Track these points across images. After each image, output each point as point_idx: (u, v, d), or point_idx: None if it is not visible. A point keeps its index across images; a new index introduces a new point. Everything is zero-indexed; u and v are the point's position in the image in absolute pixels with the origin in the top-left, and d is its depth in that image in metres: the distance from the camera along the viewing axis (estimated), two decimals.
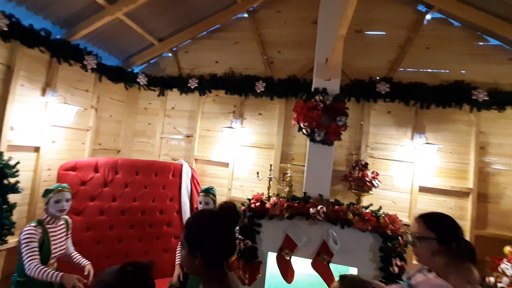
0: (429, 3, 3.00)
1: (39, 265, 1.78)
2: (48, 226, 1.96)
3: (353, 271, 2.53)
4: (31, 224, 1.89)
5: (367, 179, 2.79)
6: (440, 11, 3.03)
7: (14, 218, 2.34)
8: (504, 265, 2.30)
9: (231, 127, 3.41)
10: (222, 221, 1.01)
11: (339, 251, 2.51)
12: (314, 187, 2.75)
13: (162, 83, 3.73)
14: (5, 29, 2.29)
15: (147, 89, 3.79)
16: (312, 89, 2.88)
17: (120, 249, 2.73)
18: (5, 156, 2.28)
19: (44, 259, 1.90)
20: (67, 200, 2.03)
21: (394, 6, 3.19)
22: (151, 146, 3.82)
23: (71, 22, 2.89)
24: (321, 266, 2.57)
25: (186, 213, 3.08)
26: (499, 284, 2.24)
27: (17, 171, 2.30)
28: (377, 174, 2.88)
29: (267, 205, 2.66)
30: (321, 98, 2.77)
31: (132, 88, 3.77)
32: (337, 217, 2.54)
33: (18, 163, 2.31)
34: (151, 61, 3.92)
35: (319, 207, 2.54)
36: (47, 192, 2.00)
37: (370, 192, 2.84)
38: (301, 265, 2.70)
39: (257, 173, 3.18)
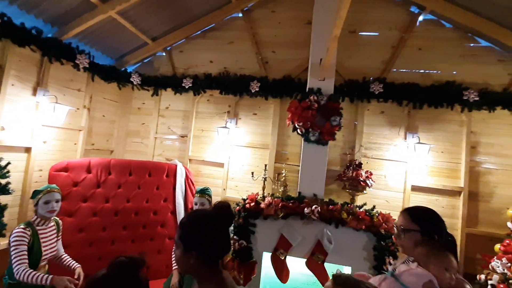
0: (421, 4, 3.04)
1: (27, 269, 1.75)
2: (38, 227, 1.93)
3: (347, 270, 2.55)
4: (20, 226, 1.85)
5: (361, 179, 2.82)
6: (432, 13, 3.07)
7: (5, 219, 2.30)
8: (495, 263, 2.34)
9: (225, 127, 3.40)
10: (216, 220, 1.02)
11: (333, 250, 2.52)
12: (308, 186, 2.77)
13: (156, 83, 3.69)
14: None
15: (140, 88, 3.75)
16: (307, 89, 2.89)
17: (113, 251, 2.70)
18: None
19: (35, 261, 1.87)
20: (57, 201, 2.00)
21: (387, 7, 3.23)
22: (145, 146, 3.78)
23: (63, 21, 2.84)
24: (315, 265, 2.58)
25: (181, 214, 3.06)
26: (489, 282, 2.28)
27: (7, 172, 2.26)
28: (371, 174, 2.91)
29: (262, 205, 2.67)
30: (315, 98, 2.79)
31: (126, 87, 3.73)
32: (331, 217, 2.56)
33: (9, 163, 2.27)
34: (145, 61, 3.88)
35: (313, 207, 2.56)
36: (36, 193, 1.96)
37: (364, 191, 2.86)
38: (296, 264, 2.71)
39: (252, 173, 3.18)
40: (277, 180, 3.06)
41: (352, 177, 2.85)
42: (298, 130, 2.82)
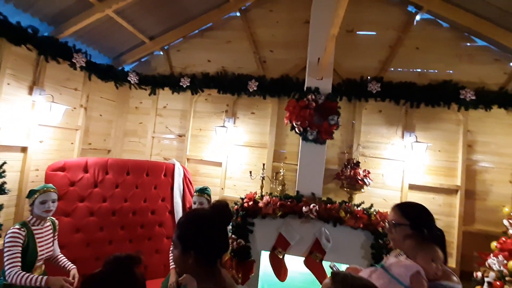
0: (418, 4, 3.05)
1: (19, 272, 1.72)
2: (34, 227, 1.91)
3: (344, 267, 2.56)
4: (15, 227, 1.83)
5: (359, 178, 2.83)
6: (429, 12, 3.09)
7: (0, 220, 2.28)
8: (491, 260, 2.36)
9: (223, 126, 3.40)
10: (214, 220, 1.01)
11: (331, 249, 2.53)
12: (306, 185, 2.77)
13: (153, 82, 3.68)
14: None
15: (138, 88, 3.74)
16: (305, 88, 2.90)
17: (111, 251, 2.66)
18: None
19: (31, 262, 1.85)
20: (53, 201, 1.98)
21: (384, 7, 3.24)
22: (143, 146, 3.77)
23: (59, 19, 2.82)
24: (314, 264, 2.58)
25: (179, 213, 3.05)
26: (486, 279, 2.30)
27: (3, 171, 2.23)
28: (369, 173, 2.92)
29: (260, 204, 2.66)
30: (313, 97, 2.79)
31: (123, 87, 3.72)
32: (329, 215, 2.56)
33: (4, 163, 2.25)
34: (142, 60, 3.86)
35: (311, 206, 2.56)
36: (32, 193, 1.94)
37: (362, 190, 2.87)
38: (294, 263, 2.71)
39: (250, 172, 3.18)
40: (275, 179, 3.06)
41: (350, 176, 2.86)
42: (296, 129, 2.83)
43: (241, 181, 3.44)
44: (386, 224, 1.36)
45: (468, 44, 3.11)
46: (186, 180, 3.22)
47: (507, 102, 2.90)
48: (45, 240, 1.97)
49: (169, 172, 3.15)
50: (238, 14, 3.54)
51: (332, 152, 3.25)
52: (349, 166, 2.93)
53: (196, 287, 0.95)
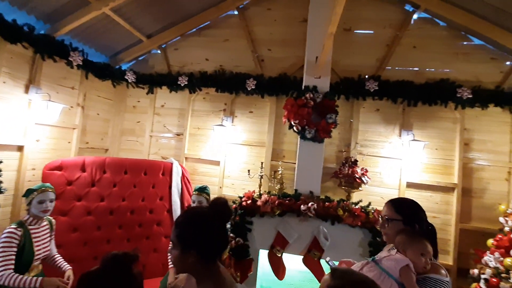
0: (415, 2, 3.06)
1: (12, 274, 1.70)
2: (31, 227, 1.89)
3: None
4: (11, 226, 1.81)
5: (357, 176, 2.84)
6: (426, 11, 3.10)
7: None
8: (487, 257, 2.38)
9: (222, 125, 3.39)
10: (213, 217, 1.00)
11: (329, 247, 2.54)
12: (305, 184, 2.78)
13: (151, 81, 3.66)
14: None
15: (135, 86, 3.72)
16: (303, 87, 2.90)
17: (109, 250, 2.67)
18: None
19: (28, 262, 1.84)
20: (51, 201, 1.97)
21: (382, 5, 3.24)
22: (140, 145, 3.75)
23: (56, 17, 2.80)
24: (312, 262, 2.60)
25: (177, 212, 3.04)
26: (482, 276, 2.32)
27: (0, 170, 2.22)
28: (366, 171, 2.93)
29: (258, 203, 2.66)
30: (311, 96, 2.80)
31: (120, 85, 3.69)
32: (327, 214, 2.58)
33: (0, 162, 2.23)
34: (140, 58, 3.84)
35: (310, 204, 2.57)
36: (29, 192, 1.92)
37: (360, 188, 2.88)
38: (293, 261, 2.72)
39: (248, 171, 3.18)
40: (273, 178, 3.07)
41: (347, 174, 2.87)
42: (294, 128, 2.83)
43: (239, 180, 3.44)
44: (380, 219, 1.40)
45: (465, 42, 3.12)
46: (184, 179, 3.22)
47: (503, 101, 2.92)
48: (42, 239, 1.96)
49: (167, 171, 3.14)
50: (236, 12, 3.53)
51: (330, 150, 3.26)
52: (347, 165, 2.94)
53: (195, 286, 0.94)
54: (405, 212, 1.32)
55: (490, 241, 2.49)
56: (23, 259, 1.82)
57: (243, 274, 2.58)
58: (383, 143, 3.20)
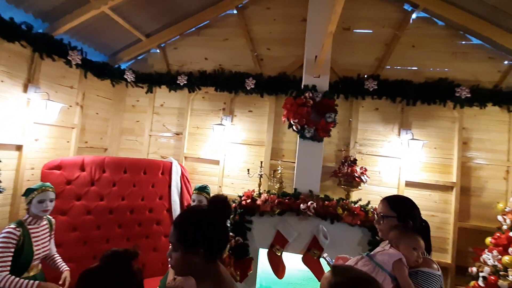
0: (414, 2, 3.07)
1: (9, 276, 1.69)
2: (30, 227, 1.88)
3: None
4: (10, 226, 1.80)
5: (356, 175, 2.84)
6: (425, 10, 3.11)
7: None
8: (486, 255, 2.39)
9: (221, 124, 3.39)
10: (213, 214, 0.99)
11: (329, 245, 2.55)
12: (304, 183, 2.79)
13: (150, 80, 3.66)
14: None
15: (134, 86, 3.71)
16: (302, 86, 2.90)
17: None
18: None
19: (27, 261, 1.83)
20: (51, 200, 1.96)
21: (380, 4, 3.25)
22: (140, 144, 3.75)
23: (54, 16, 2.79)
24: (311, 261, 2.60)
25: (176, 212, 3.04)
26: (481, 274, 2.33)
27: None
28: (366, 170, 2.94)
29: (258, 202, 2.67)
30: (310, 95, 2.80)
31: (119, 85, 3.69)
32: (327, 212, 2.58)
33: None
34: (139, 57, 3.84)
35: (309, 203, 2.57)
36: (29, 191, 1.91)
37: (359, 187, 2.89)
38: (292, 260, 2.72)
39: (248, 170, 3.18)
40: (273, 177, 3.07)
41: (347, 173, 2.87)
42: (294, 127, 2.84)
43: (239, 179, 3.44)
44: (375, 216, 1.45)
45: (463, 42, 3.14)
46: (183, 178, 3.22)
47: (501, 100, 2.93)
48: (42, 239, 1.95)
49: (167, 170, 3.14)
50: (235, 11, 3.53)
51: (329, 149, 3.26)
52: (346, 164, 2.94)
53: (195, 286, 0.94)
54: (400, 209, 1.36)
55: (489, 239, 2.50)
56: (22, 258, 1.81)
57: (243, 273, 2.58)
58: (382, 142, 3.21)
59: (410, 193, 3.05)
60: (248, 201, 2.70)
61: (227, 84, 3.44)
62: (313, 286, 2.75)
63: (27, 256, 1.84)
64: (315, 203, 2.57)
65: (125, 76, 3.59)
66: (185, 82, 3.51)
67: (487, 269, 2.30)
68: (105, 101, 3.65)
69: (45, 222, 2.01)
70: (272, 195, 2.70)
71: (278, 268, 2.64)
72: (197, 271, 0.95)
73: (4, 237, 1.75)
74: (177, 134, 3.67)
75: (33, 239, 1.89)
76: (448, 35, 3.15)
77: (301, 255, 2.64)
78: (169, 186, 3.10)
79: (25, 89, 2.61)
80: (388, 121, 3.21)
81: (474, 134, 3.05)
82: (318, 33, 2.79)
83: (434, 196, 3.06)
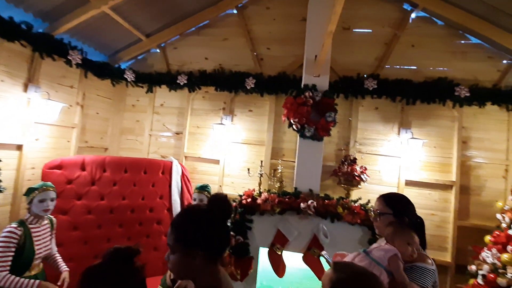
0: (414, 1, 3.08)
1: (8, 276, 1.70)
2: (31, 226, 1.89)
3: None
4: (12, 225, 1.80)
5: (356, 174, 2.86)
6: (424, 10, 3.12)
7: None
8: (485, 253, 2.40)
9: (221, 124, 3.40)
10: (213, 213, 0.96)
11: (329, 244, 2.55)
12: (304, 182, 2.79)
13: (150, 80, 3.66)
14: None
15: (134, 85, 3.72)
16: (302, 86, 2.91)
17: None
18: None
19: (28, 260, 1.84)
20: (52, 200, 1.96)
21: (380, 4, 3.26)
22: (140, 144, 3.75)
23: (54, 16, 2.79)
24: (312, 260, 2.61)
25: (177, 211, 3.05)
26: (480, 272, 2.34)
27: None
28: (365, 169, 2.95)
29: (258, 201, 2.68)
30: (310, 94, 2.81)
31: (119, 84, 3.69)
32: (327, 211, 2.59)
33: (0, 161, 2.23)
34: (139, 57, 3.84)
35: (309, 202, 2.58)
36: (30, 190, 1.92)
37: (359, 186, 2.90)
38: (293, 259, 2.73)
39: (248, 169, 3.19)
40: (273, 176, 3.08)
41: (347, 172, 2.89)
42: (294, 126, 2.84)
43: (239, 178, 3.45)
44: (372, 213, 1.49)
45: (462, 41, 3.15)
46: (184, 177, 3.22)
47: (500, 99, 2.94)
48: (43, 238, 1.95)
49: (167, 170, 3.15)
50: (234, 11, 3.54)
51: (329, 149, 3.27)
52: (346, 163, 2.95)
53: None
54: (395, 205, 1.41)
55: (488, 238, 2.51)
56: (24, 258, 1.82)
57: (243, 272, 2.59)
58: (382, 141, 3.22)
59: (410, 192, 3.06)
60: (249, 200, 2.71)
61: (227, 84, 3.44)
62: (313, 285, 2.76)
63: (28, 256, 1.84)
64: (315, 202, 2.58)
65: (125, 76, 3.60)
66: (185, 82, 3.52)
67: (486, 267, 2.31)
68: (105, 100, 3.65)
69: (46, 222, 2.01)
70: (272, 194, 2.71)
71: (278, 267, 2.65)
72: (196, 273, 0.91)
73: (5, 236, 1.75)
74: (177, 133, 3.67)
75: (34, 239, 1.89)
76: (447, 35, 3.16)
77: (302, 254, 2.64)
78: (170, 186, 3.11)
79: (25, 88, 2.61)
80: (388, 120, 3.22)
81: (474, 133, 3.06)
82: (318, 33, 2.79)
83: (434, 195, 3.07)
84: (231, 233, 2.67)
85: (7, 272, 1.71)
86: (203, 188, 2.33)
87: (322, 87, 2.88)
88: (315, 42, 2.83)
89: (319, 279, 2.56)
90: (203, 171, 3.56)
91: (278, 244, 2.66)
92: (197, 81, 3.52)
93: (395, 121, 3.20)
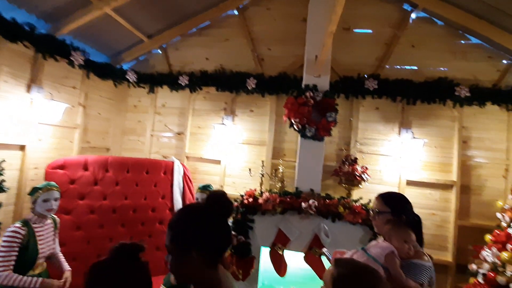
0: (413, 2, 3.09)
1: (11, 274, 1.71)
2: (35, 225, 1.90)
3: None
4: (16, 225, 1.82)
5: (357, 174, 2.87)
6: (424, 10, 3.13)
7: None
8: (485, 252, 2.41)
9: (222, 124, 3.41)
10: (211, 211, 0.91)
11: (330, 244, 2.56)
12: (305, 182, 2.81)
13: (151, 80, 3.68)
14: None
15: (136, 86, 3.74)
16: (303, 86, 2.92)
17: None
18: None
19: (32, 260, 1.85)
20: (56, 199, 1.98)
21: (380, 4, 3.28)
22: (141, 144, 3.77)
23: (57, 17, 2.81)
24: (313, 259, 2.62)
25: None
26: (480, 270, 2.35)
27: (2, 169, 2.22)
28: (366, 169, 2.96)
29: (260, 201, 2.69)
30: (311, 94, 2.82)
31: (121, 85, 3.71)
32: (328, 211, 2.60)
33: (3, 161, 2.24)
34: (140, 58, 3.86)
35: (310, 202, 2.59)
36: (35, 190, 1.93)
37: (360, 186, 2.91)
38: (294, 259, 2.74)
39: (249, 169, 3.21)
40: (274, 176, 3.09)
41: (348, 172, 2.90)
42: (295, 126, 2.86)
43: (240, 178, 3.46)
44: (371, 212, 1.53)
45: (462, 41, 3.16)
46: (185, 177, 3.24)
47: (500, 99, 2.96)
48: (46, 238, 1.97)
49: (169, 170, 3.16)
50: (235, 12, 3.56)
51: (330, 148, 3.29)
52: (347, 163, 2.97)
53: None
54: (393, 204, 1.45)
55: (488, 237, 2.52)
56: (28, 257, 1.83)
57: (245, 271, 2.60)
58: (382, 141, 3.23)
59: (410, 192, 3.07)
60: (250, 200, 2.72)
61: (228, 84, 3.46)
62: (314, 284, 2.76)
63: (32, 255, 1.86)
64: (316, 202, 2.59)
65: (127, 77, 3.62)
66: (187, 82, 3.54)
67: (486, 266, 2.32)
68: (107, 101, 3.67)
69: (49, 221, 2.02)
70: (273, 194, 2.72)
71: (280, 266, 2.66)
72: (193, 275, 0.86)
73: (9, 236, 1.77)
74: (178, 134, 3.69)
75: (38, 238, 1.90)
76: (447, 35, 3.17)
77: (303, 254, 2.65)
78: (171, 186, 3.13)
79: (28, 89, 2.63)
80: (389, 120, 3.23)
81: (474, 133, 3.07)
82: (319, 33, 2.80)
83: (435, 195, 3.08)
84: (233, 232, 2.68)
85: (11, 271, 1.73)
86: (205, 188, 2.34)
87: (323, 87, 2.89)
88: (316, 42, 2.85)
89: (320, 279, 2.56)
90: (204, 171, 3.58)
91: (279, 243, 2.67)
92: (198, 81, 3.54)
93: (395, 121, 3.21)
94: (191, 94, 3.64)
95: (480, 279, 2.32)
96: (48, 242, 1.97)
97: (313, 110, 2.82)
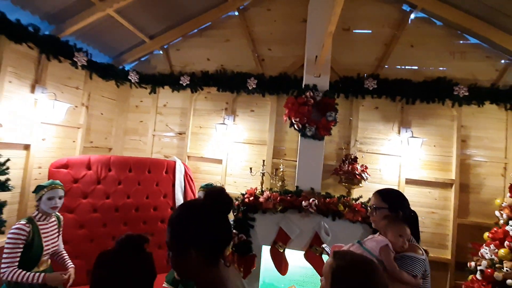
0: (412, 2, 3.12)
1: (16, 270, 1.75)
2: (39, 223, 1.93)
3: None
4: (21, 222, 1.85)
5: (357, 173, 2.89)
6: (423, 11, 3.16)
7: (4, 216, 2.29)
8: (484, 250, 2.44)
9: (223, 124, 3.45)
10: (210, 208, 0.90)
11: (330, 242, 2.58)
12: (305, 181, 2.83)
13: (153, 81, 3.72)
14: None
15: (138, 86, 3.78)
16: (303, 86, 2.95)
17: None
18: None
19: (36, 257, 1.88)
20: (60, 198, 2.01)
21: (379, 5, 3.31)
22: (143, 144, 3.80)
23: (60, 18, 2.85)
24: (313, 257, 2.64)
25: None
26: (479, 267, 2.37)
27: (7, 168, 2.26)
28: (366, 168, 2.98)
29: (261, 199, 2.72)
30: (311, 94, 2.85)
31: (123, 85, 3.75)
32: (328, 209, 2.63)
33: (8, 160, 2.28)
34: (142, 59, 3.90)
35: (311, 200, 2.62)
36: (39, 188, 1.96)
37: (360, 185, 2.93)
38: (295, 257, 2.76)
39: (250, 168, 3.23)
40: (275, 175, 3.12)
41: (348, 171, 2.92)
42: (295, 126, 2.89)
43: (241, 177, 3.49)
44: (369, 208, 1.57)
45: (461, 41, 3.19)
46: (187, 177, 3.27)
47: (498, 98, 2.98)
48: (51, 235, 2.00)
49: (170, 169, 3.20)
50: (236, 13, 3.59)
51: (330, 148, 3.31)
52: (347, 162, 2.99)
53: None
54: (390, 200, 1.50)
55: (487, 234, 2.54)
56: (32, 253, 1.86)
57: (246, 269, 2.63)
58: (382, 141, 3.26)
59: (410, 191, 3.10)
60: (251, 198, 2.74)
61: (229, 84, 3.50)
62: (315, 283, 2.79)
63: (37, 252, 1.89)
64: (316, 200, 2.62)
65: (129, 77, 3.66)
66: (188, 83, 3.57)
67: (484, 263, 2.34)
68: (110, 101, 3.71)
69: (53, 219, 2.06)
70: (274, 193, 2.74)
71: (280, 264, 2.68)
72: (194, 272, 0.86)
73: (14, 233, 1.80)
74: (180, 133, 3.72)
75: (43, 235, 1.94)
76: (446, 35, 3.20)
77: (303, 252, 2.68)
78: (173, 185, 3.16)
79: (33, 89, 2.67)
80: (388, 119, 3.26)
81: (473, 132, 3.10)
82: (318, 34, 2.84)
83: (434, 193, 3.11)
84: (234, 231, 2.70)
85: (15, 267, 1.76)
86: (208, 187, 2.37)
87: (323, 87, 2.92)
88: (316, 42, 2.88)
89: (321, 276, 2.59)
90: (206, 170, 3.61)
91: (280, 242, 2.69)
92: (200, 81, 3.57)
93: (395, 120, 3.24)
94: (193, 94, 3.67)
95: (478, 275, 2.34)
96: (52, 239, 2.00)
97: (313, 109, 2.85)
